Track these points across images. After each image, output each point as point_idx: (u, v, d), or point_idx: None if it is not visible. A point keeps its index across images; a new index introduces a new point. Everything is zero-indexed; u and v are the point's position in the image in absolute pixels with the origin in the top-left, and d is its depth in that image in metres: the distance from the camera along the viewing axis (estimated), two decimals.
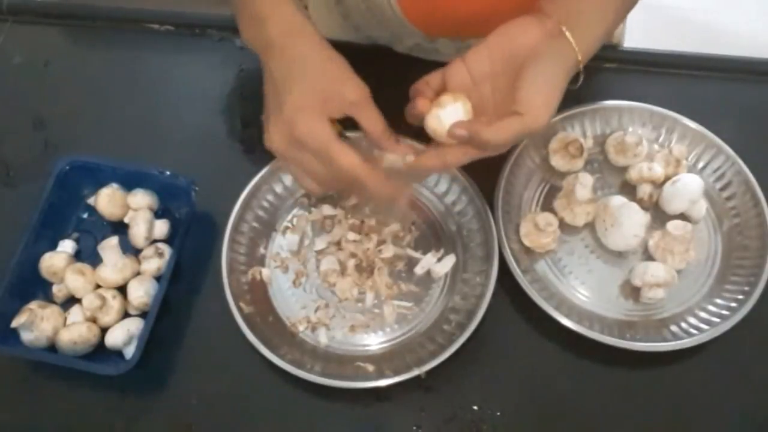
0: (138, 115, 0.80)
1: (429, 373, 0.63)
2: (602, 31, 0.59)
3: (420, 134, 0.60)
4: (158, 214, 0.72)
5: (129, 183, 0.71)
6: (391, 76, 0.59)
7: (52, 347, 0.65)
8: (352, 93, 0.57)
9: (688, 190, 0.70)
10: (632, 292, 0.69)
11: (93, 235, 0.72)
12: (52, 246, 0.70)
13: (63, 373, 0.64)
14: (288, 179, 0.73)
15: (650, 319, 0.67)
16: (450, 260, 0.70)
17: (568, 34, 0.56)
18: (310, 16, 0.75)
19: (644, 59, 0.82)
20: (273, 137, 0.58)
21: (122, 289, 0.67)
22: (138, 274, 0.68)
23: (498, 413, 0.64)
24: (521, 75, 0.55)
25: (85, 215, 0.73)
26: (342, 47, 0.59)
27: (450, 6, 0.70)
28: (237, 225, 0.70)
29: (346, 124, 0.61)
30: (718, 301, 0.67)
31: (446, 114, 0.57)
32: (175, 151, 0.77)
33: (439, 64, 0.59)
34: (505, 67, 0.57)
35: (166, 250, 0.68)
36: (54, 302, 0.67)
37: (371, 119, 0.59)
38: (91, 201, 0.72)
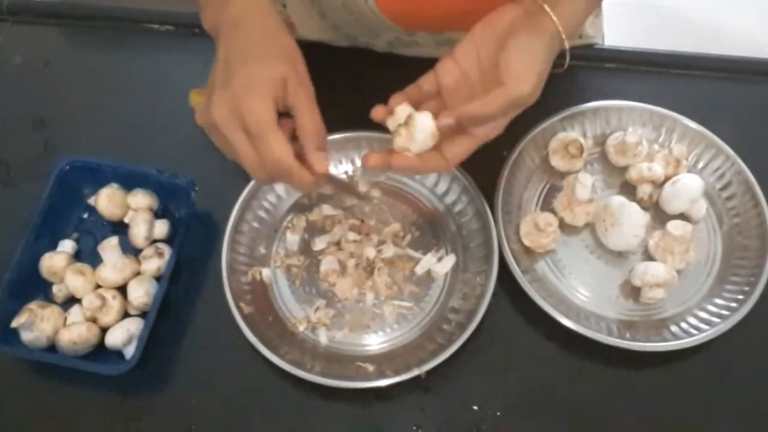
0: (138, 114, 0.80)
1: (429, 373, 0.63)
2: (583, 5, 0.59)
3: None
4: (158, 214, 0.72)
5: (129, 183, 0.71)
6: (370, 77, 0.58)
7: (52, 347, 0.65)
8: (302, 83, 0.56)
9: (688, 190, 0.70)
10: (632, 292, 0.69)
11: (93, 235, 0.72)
12: (52, 246, 0.70)
13: (63, 373, 0.64)
14: None
15: (650, 319, 0.67)
16: (450, 260, 0.70)
17: (547, 8, 0.57)
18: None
19: (644, 59, 0.82)
20: (215, 109, 0.55)
21: (122, 289, 0.67)
22: (138, 274, 0.68)
23: (498, 413, 0.64)
24: (501, 50, 0.57)
25: (85, 215, 0.73)
26: (321, 50, 0.58)
27: (429, 2, 0.70)
28: (237, 225, 0.70)
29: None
30: (718, 301, 0.67)
31: (417, 122, 0.56)
32: (175, 151, 0.77)
33: (418, 60, 0.59)
34: (490, 52, 0.58)
35: (166, 250, 0.68)
36: (54, 302, 0.67)
37: (311, 113, 0.57)
38: (91, 201, 0.72)
